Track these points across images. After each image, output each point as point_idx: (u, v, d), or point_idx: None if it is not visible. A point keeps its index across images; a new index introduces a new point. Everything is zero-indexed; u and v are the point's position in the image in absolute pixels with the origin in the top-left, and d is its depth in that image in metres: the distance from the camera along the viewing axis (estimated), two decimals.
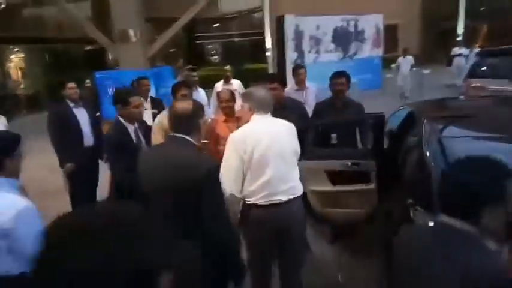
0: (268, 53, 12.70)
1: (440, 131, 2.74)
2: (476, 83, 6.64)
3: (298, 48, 13.13)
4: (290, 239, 2.52)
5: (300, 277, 2.65)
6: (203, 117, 2.06)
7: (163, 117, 3.49)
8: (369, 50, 13.98)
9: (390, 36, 17.38)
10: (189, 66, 9.30)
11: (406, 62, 11.97)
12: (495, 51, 7.33)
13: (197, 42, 24.47)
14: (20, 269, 1.89)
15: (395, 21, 18.79)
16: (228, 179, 2.27)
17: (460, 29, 14.15)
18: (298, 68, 4.95)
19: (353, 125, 3.87)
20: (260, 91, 2.71)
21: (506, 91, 5.88)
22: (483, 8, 20.21)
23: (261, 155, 2.36)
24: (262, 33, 23.02)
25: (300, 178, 2.60)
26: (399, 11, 18.98)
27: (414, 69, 12.33)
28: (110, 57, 17.52)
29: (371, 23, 14.24)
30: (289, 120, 2.69)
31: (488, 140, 2.71)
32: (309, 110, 4.08)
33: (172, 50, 22.75)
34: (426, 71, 12.36)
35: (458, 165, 1.39)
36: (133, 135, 3.02)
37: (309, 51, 13.30)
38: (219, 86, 6.49)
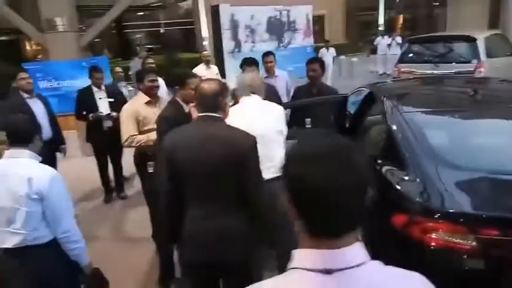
0: (205, 42, 12.65)
1: (398, 106, 3.11)
2: (405, 68, 7.37)
3: (235, 38, 13.26)
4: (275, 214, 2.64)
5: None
6: (228, 96, 2.13)
7: (135, 105, 3.48)
8: (301, 40, 14.55)
9: (318, 26, 18.22)
10: (146, 54, 8.98)
11: (328, 54, 12.65)
12: (420, 39, 8.15)
13: (124, 32, 23.41)
14: (50, 236, 1.99)
15: (322, 12, 19.71)
16: None
17: (381, 20, 15.29)
18: (266, 55, 4.75)
19: (327, 108, 3.98)
20: (243, 75, 2.87)
21: (431, 74, 6.62)
22: (398, 1, 22.02)
23: None
24: (193, 23, 22.77)
25: None
26: (324, 3, 19.94)
27: (343, 57, 13.15)
28: (29, 47, 16.12)
29: (302, 14, 14.80)
30: None
31: (435, 113, 3.14)
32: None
33: (97, 40, 21.57)
34: (354, 59, 13.24)
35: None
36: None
37: (245, 41, 13.49)
38: (202, 70, 6.62)
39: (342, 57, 13.14)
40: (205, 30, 12.72)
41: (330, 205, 0.77)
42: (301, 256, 0.82)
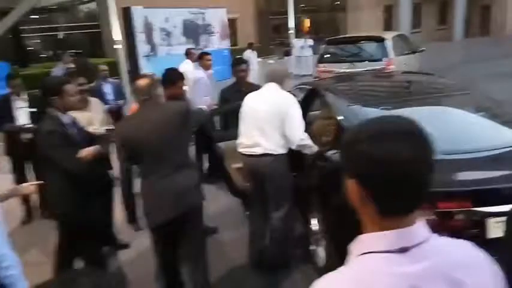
0: (117, 46, 11.98)
1: (344, 100, 3.32)
2: (324, 67, 7.84)
3: (150, 41, 12.84)
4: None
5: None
6: (159, 87, 2.74)
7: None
8: (218, 43, 14.61)
9: (231, 29, 18.45)
10: (71, 59, 8.16)
11: (253, 56, 12.88)
12: (336, 40, 8.74)
13: (18, 36, 21.09)
14: None
15: (234, 16, 20.01)
16: None
17: (291, 24, 16.01)
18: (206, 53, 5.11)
19: None
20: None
21: (346, 73, 7.13)
22: (303, 5, 23.32)
23: None
24: (97, 26, 21.42)
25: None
26: (236, 6, 20.26)
27: (259, 59, 13.50)
28: None
29: (217, 16, 14.88)
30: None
31: (376, 104, 3.41)
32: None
33: None
34: (271, 61, 13.68)
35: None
36: (70, 126, 2.77)
37: (161, 44, 13.12)
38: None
39: (259, 59, 13.47)
40: (116, 34, 12.04)
41: (405, 179, 0.77)
42: (373, 239, 0.81)
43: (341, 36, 9.56)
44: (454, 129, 2.76)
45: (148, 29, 12.67)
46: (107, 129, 3.36)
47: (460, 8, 23.85)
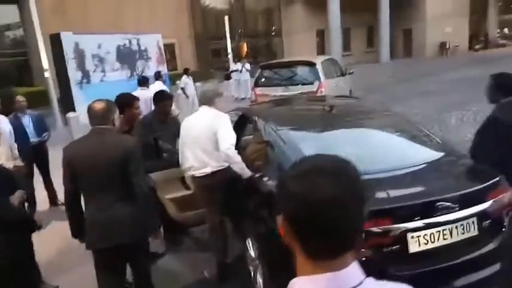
0: (46, 74, 11.40)
1: (272, 125, 3.39)
2: (260, 91, 8.02)
3: (82, 68, 12.36)
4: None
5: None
6: (116, 111, 2.59)
7: None
8: (155, 68, 14.41)
9: (169, 55, 18.36)
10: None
11: (190, 81, 12.77)
12: (270, 65, 8.99)
13: None
14: None
15: (171, 41, 19.94)
16: None
17: (229, 48, 16.31)
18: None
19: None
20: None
21: (282, 96, 7.34)
22: (240, 30, 23.88)
23: None
24: (25, 53, 20.25)
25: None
26: (171, 31, 20.22)
27: (198, 84, 13.48)
28: None
29: (152, 42, 14.76)
30: None
31: (304, 128, 3.52)
32: None
33: None
34: (209, 85, 13.70)
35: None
36: None
37: (94, 71, 12.69)
38: None
39: (197, 83, 13.45)
40: (45, 61, 11.47)
41: (326, 220, 0.75)
42: (303, 284, 0.79)
43: (274, 61, 9.88)
44: (373, 149, 2.91)
45: (80, 55, 12.23)
46: (15, 166, 3.12)
47: (384, 32, 25.73)
